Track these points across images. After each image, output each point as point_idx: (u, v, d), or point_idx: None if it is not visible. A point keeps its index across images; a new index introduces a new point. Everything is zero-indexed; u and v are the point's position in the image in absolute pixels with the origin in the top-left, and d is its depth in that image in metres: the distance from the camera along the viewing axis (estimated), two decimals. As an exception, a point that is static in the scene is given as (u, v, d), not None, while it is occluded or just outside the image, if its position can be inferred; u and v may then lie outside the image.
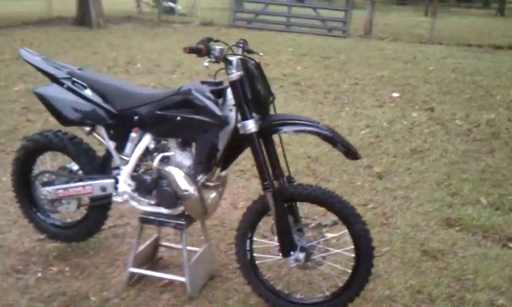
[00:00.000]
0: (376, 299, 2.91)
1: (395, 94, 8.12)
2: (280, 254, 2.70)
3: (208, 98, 2.61)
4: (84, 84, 2.91)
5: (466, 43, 15.43)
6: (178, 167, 2.76)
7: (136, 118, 2.80)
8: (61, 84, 2.93)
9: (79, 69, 3.01)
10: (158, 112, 2.73)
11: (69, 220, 3.37)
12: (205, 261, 3.06)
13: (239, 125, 2.56)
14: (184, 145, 2.83)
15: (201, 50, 2.44)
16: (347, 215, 2.56)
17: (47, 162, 3.29)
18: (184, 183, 2.70)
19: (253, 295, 2.88)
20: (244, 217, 2.77)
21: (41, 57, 3.09)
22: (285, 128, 2.59)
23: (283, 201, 2.62)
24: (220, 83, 2.70)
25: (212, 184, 2.84)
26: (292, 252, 2.66)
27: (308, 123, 2.58)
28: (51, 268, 3.13)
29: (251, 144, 2.59)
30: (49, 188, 3.06)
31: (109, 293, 2.90)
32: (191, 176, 2.73)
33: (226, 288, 2.99)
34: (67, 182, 3.06)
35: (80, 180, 3.01)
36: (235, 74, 2.51)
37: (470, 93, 8.37)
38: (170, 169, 2.75)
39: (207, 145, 2.66)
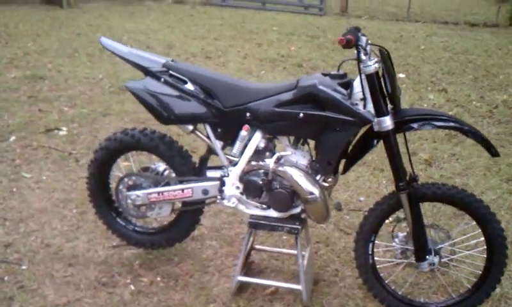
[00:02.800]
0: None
1: (402, 75, 8.05)
2: (413, 258, 2.55)
3: (339, 92, 2.40)
4: (184, 78, 2.65)
5: (442, 21, 15.55)
6: (295, 167, 2.56)
7: (248, 115, 2.56)
8: (158, 78, 2.66)
9: (172, 60, 2.73)
10: (276, 109, 2.50)
11: (154, 225, 3.12)
12: (310, 265, 2.89)
13: (373, 122, 2.39)
14: (296, 143, 2.63)
15: (351, 41, 2.23)
16: (484, 215, 2.44)
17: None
18: (308, 185, 2.51)
19: (368, 300, 2.74)
20: (367, 220, 2.60)
21: (124, 45, 2.80)
22: (422, 124, 2.41)
23: (418, 202, 2.47)
24: (344, 75, 2.50)
25: (327, 184, 2.64)
26: (427, 257, 2.51)
27: (445, 117, 2.42)
28: (141, 279, 2.88)
29: (387, 142, 2.42)
30: (139, 192, 2.80)
31: (217, 305, 2.69)
32: (313, 177, 2.54)
33: (336, 293, 2.84)
34: (156, 185, 2.81)
35: (177, 183, 2.76)
36: (374, 66, 2.31)
37: (472, 73, 8.40)
38: (289, 170, 2.54)
39: (340, 144, 2.46)
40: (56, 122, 5.19)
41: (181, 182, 2.77)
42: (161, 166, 2.89)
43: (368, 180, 4.23)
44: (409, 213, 2.47)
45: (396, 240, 2.65)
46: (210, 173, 2.78)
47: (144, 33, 10.71)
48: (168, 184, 2.81)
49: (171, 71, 2.66)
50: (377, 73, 2.33)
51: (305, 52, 9.64)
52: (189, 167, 2.78)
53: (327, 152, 2.49)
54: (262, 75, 7.78)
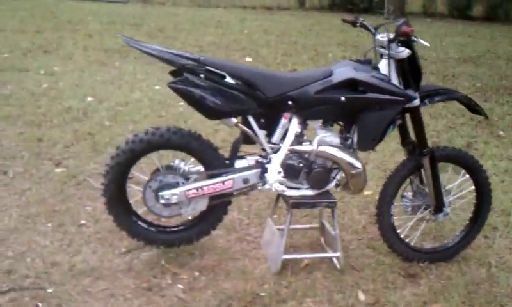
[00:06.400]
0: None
1: (249, 59, 8.56)
2: (431, 211, 3.01)
3: (377, 76, 2.73)
4: (223, 72, 2.68)
5: (241, 5, 16.58)
6: (335, 146, 2.81)
7: (290, 102, 2.73)
8: (197, 74, 2.64)
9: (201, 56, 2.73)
10: (317, 95, 2.72)
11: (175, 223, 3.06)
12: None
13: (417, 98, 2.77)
14: (327, 125, 2.88)
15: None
16: (477, 168, 3.00)
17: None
18: (353, 160, 2.79)
19: (388, 255, 3.12)
20: (389, 185, 2.97)
21: (148, 44, 2.71)
22: (437, 98, 2.88)
23: (437, 163, 2.93)
24: (370, 61, 2.83)
25: None
26: (444, 208, 3.01)
27: (449, 91, 2.93)
28: (181, 277, 2.83)
29: (416, 115, 2.83)
30: (175, 191, 2.73)
31: (270, 285, 2.82)
32: (354, 153, 2.83)
33: (356, 255, 3.15)
34: (186, 181, 2.80)
35: (205, 177, 2.79)
36: (406, 52, 2.70)
37: (306, 53, 9.31)
38: (331, 150, 2.78)
39: (385, 121, 2.77)
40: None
41: (210, 176, 2.80)
42: (182, 163, 2.86)
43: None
44: (430, 173, 2.92)
45: (405, 199, 3.08)
46: (239, 163, 2.85)
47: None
48: (197, 179, 2.82)
49: (207, 67, 2.65)
50: (409, 58, 2.72)
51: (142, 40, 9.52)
52: (220, 161, 2.82)
53: (371, 129, 2.79)
54: (119, 66, 7.56)
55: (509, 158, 4.85)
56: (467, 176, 3.03)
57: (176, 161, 2.85)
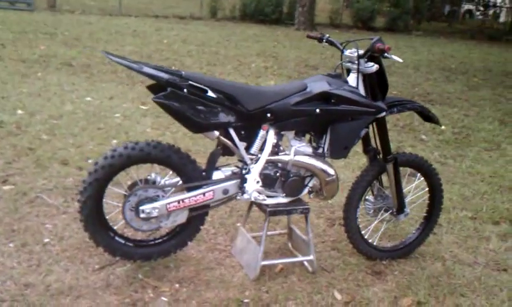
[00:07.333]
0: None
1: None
2: (394, 212, 3.24)
3: (351, 90, 2.90)
4: (205, 87, 2.73)
5: (153, 15, 16.46)
6: (309, 155, 2.96)
7: (269, 115, 2.83)
8: (180, 89, 2.67)
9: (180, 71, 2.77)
10: (294, 108, 2.85)
11: (153, 236, 3.05)
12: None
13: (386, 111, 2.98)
14: (300, 136, 3.02)
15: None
16: (431, 171, 3.27)
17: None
18: (328, 168, 2.94)
19: (353, 255, 3.30)
20: (355, 190, 3.15)
21: (129, 58, 2.71)
22: (401, 108, 3.11)
23: (399, 168, 3.16)
24: (340, 75, 3.01)
25: None
26: (405, 209, 3.24)
27: (410, 102, 3.17)
28: (161, 290, 2.82)
29: (381, 124, 3.05)
30: (156, 204, 2.74)
31: (251, 292, 2.90)
32: (327, 161, 2.99)
33: (324, 257, 3.31)
34: (165, 194, 2.82)
35: (183, 190, 2.83)
36: (375, 66, 2.90)
37: (229, 63, 9.46)
38: (307, 159, 2.92)
39: (358, 131, 2.94)
40: None
41: (188, 189, 2.84)
42: (158, 176, 2.88)
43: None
44: (393, 177, 3.14)
45: (368, 202, 3.28)
46: (217, 174, 2.91)
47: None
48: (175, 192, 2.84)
49: (190, 82, 2.68)
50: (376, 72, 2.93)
51: (61, 50, 9.23)
52: (198, 173, 2.86)
53: (343, 139, 2.95)
54: (42, 77, 7.28)
55: (436, 161, 5.25)
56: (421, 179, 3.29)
57: (153, 174, 2.85)
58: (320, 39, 3.12)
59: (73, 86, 6.86)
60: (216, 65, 9.12)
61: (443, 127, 3.37)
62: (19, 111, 5.61)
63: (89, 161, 4.38)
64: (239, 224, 3.46)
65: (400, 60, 2.97)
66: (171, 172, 2.86)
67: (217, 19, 17.24)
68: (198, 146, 4.96)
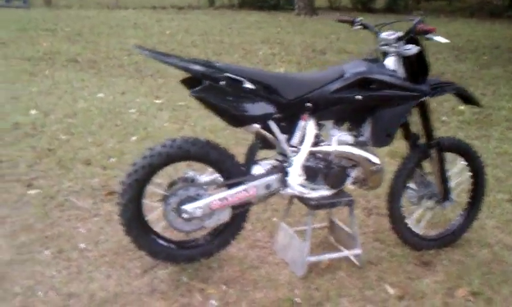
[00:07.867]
0: None
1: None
2: (439, 199, 3.12)
3: (392, 74, 2.79)
4: (241, 78, 2.60)
5: (150, 6, 16.23)
6: (353, 145, 2.84)
7: (309, 104, 2.72)
8: (216, 81, 2.54)
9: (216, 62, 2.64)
10: (333, 95, 2.73)
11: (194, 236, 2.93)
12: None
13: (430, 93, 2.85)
14: (339, 125, 2.90)
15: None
16: (475, 155, 3.17)
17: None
18: (374, 158, 2.83)
19: (397, 246, 3.19)
20: (398, 179, 3.05)
21: (162, 52, 2.59)
22: (443, 90, 2.99)
23: (443, 152, 3.05)
24: (377, 59, 2.89)
25: None
26: (450, 196, 3.13)
27: (450, 83, 3.06)
28: (208, 292, 2.73)
29: (425, 108, 2.93)
30: (198, 204, 2.63)
31: (301, 289, 2.79)
32: (373, 150, 2.87)
33: (367, 249, 3.21)
34: (206, 193, 2.71)
35: (236, 185, 2.72)
36: (416, 48, 2.78)
37: (235, 52, 9.32)
38: (351, 149, 2.81)
39: (401, 117, 2.83)
40: None
41: (229, 186, 2.73)
42: (197, 174, 2.77)
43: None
44: (437, 163, 3.03)
45: (410, 190, 3.17)
46: (257, 169, 2.80)
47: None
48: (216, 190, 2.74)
49: (226, 73, 2.57)
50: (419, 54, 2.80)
51: (64, 46, 9.07)
52: (238, 168, 2.75)
53: (386, 126, 2.83)
54: (50, 75, 7.14)
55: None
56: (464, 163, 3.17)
57: (191, 172, 2.74)
58: (352, 23, 2.99)
59: (82, 83, 6.72)
60: (222, 54, 8.97)
61: (479, 106, 3.20)
62: (32, 111, 5.48)
63: (111, 160, 4.26)
64: (275, 219, 3.35)
65: (447, 40, 2.84)
66: (210, 169, 2.74)
67: (216, 7, 17.04)
68: (219, 139, 4.83)
